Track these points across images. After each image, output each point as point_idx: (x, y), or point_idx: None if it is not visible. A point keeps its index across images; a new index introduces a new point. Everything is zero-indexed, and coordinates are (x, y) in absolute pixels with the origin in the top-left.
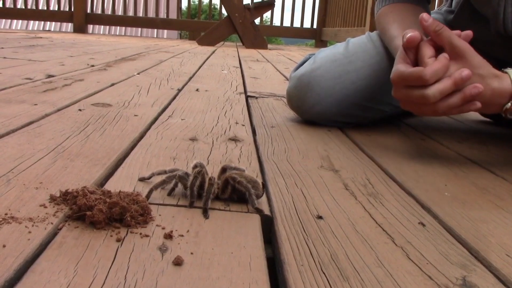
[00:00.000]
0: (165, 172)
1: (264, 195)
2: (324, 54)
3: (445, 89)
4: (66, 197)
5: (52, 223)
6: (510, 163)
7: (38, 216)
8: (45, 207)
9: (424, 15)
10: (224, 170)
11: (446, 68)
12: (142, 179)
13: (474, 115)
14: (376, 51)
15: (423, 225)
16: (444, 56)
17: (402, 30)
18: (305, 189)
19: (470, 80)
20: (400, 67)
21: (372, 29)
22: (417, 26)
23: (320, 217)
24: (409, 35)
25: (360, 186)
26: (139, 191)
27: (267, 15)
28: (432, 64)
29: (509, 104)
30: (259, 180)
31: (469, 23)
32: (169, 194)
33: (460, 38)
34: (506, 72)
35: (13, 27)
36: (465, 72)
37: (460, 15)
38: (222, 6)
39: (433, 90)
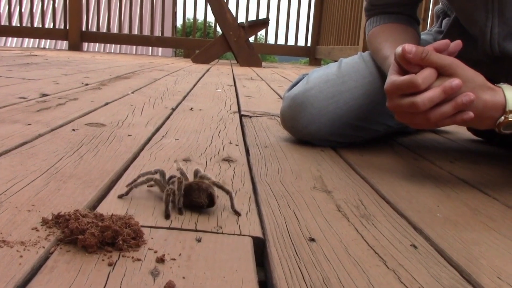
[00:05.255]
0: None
1: (257, 216)
2: (317, 74)
3: (434, 96)
4: (58, 220)
5: (44, 247)
6: (502, 183)
7: (30, 240)
8: (37, 230)
9: (406, 46)
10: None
11: (435, 74)
12: (121, 196)
13: (467, 134)
14: (369, 71)
15: (415, 247)
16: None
17: (394, 49)
18: (298, 211)
19: (461, 91)
20: (393, 77)
21: (365, 47)
22: None
23: (312, 240)
24: (405, 45)
25: (353, 208)
26: (132, 214)
27: (261, 32)
28: (423, 70)
29: (502, 118)
30: (213, 191)
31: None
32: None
33: (448, 56)
34: (499, 87)
35: (8, 45)
36: (456, 81)
37: (449, 35)
38: (217, 24)
39: (422, 97)
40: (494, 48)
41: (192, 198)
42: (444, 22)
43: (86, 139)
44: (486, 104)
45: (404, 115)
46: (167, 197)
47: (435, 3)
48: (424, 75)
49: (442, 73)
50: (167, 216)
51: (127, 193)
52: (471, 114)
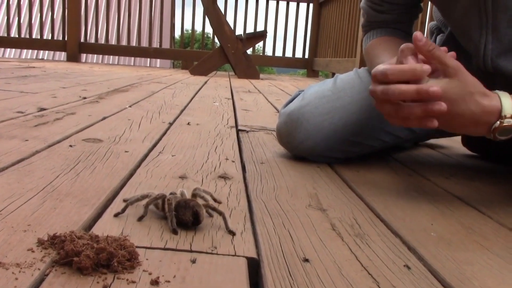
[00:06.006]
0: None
1: (252, 236)
2: (313, 90)
3: (406, 91)
4: (54, 241)
5: (39, 269)
6: (496, 200)
7: (26, 261)
8: (33, 251)
9: (418, 34)
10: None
11: (411, 68)
12: (117, 215)
13: (463, 150)
14: (364, 86)
15: (409, 267)
16: (411, 58)
17: (393, 57)
18: (293, 230)
19: (460, 96)
20: (380, 65)
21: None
22: None
23: (306, 260)
24: (417, 32)
25: (347, 226)
26: (127, 234)
27: (259, 44)
28: (414, 64)
29: (498, 122)
30: (200, 209)
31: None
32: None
33: (452, 58)
34: (495, 93)
35: (6, 56)
36: (434, 88)
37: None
38: (215, 36)
39: (394, 87)
40: (487, 64)
41: (178, 215)
42: (438, 38)
43: (83, 156)
44: (484, 109)
45: (378, 102)
46: (169, 213)
47: (431, 18)
48: (396, 67)
49: (445, 73)
50: (174, 231)
51: (123, 210)
52: (435, 123)
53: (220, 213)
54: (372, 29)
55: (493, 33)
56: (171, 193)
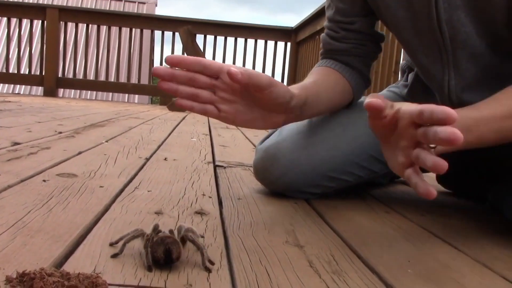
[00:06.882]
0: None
1: (228, 273)
2: (290, 126)
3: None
4: (23, 279)
5: None
6: (470, 236)
7: None
8: None
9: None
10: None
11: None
12: (115, 256)
13: (437, 186)
14: (336, 121)
15: None
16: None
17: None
18: (270, 267)
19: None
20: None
21: None
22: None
23: None
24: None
25: (325, 263)
26: (100, 272)
27: None
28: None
29: None
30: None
31: (421, 95)
32: (114, 256)
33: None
34: None
35: None
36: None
37: (413, 89)
38: None
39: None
40: (453, 99)
41: (152, 251)
42: (410, 76)
43: (56, 191)
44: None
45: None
46: (145, 249)
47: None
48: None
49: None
50: (148, 268)
51: (121, 251)
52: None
53: (198, 248)
54: (324, 59)
55: (455, 69)
56: (157, 231)
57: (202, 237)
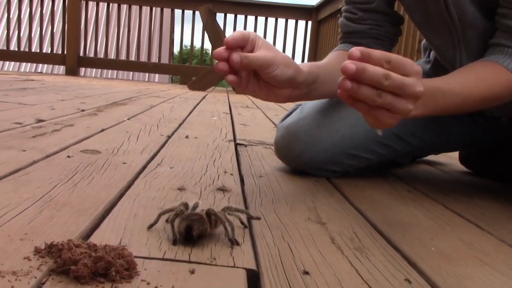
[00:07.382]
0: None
1: (251, 248)
2: (311, 104)
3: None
4: (51, 250)
5: (35, 277)
6: (495, 217)
7: (22, 270)
8: (30, 260)
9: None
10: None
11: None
12: (151, 226)
13: (460, 167)
14: None
15: (409, 281)
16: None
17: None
18: (292, 243)
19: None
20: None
21: None
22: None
23: (306, 273)
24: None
25: (347, 240)
26: (125, 244)
27: None
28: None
29: None
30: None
31: (443, 71)
32: (150, 227)
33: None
34: None
35: (5, 69)
36: (418, 88)
37: (435, 65)
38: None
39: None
40: None
41: (176, 226)
42: (432, 53)
43: (81, 166)
44: None
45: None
46: (170, 223)
47: None
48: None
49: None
50: (173, 242)
51: (156, 221)
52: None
53: (221, 222)
54: (343, 43)
55: (466, 48)
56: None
57: (246, 212)
